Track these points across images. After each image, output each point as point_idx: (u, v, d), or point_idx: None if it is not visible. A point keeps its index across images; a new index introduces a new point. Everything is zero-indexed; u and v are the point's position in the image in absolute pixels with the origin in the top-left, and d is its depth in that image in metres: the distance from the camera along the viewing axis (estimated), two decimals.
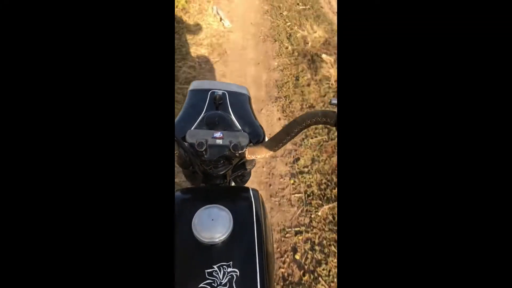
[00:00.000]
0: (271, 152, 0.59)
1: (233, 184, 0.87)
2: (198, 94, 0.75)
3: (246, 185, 0.79)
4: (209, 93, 0.75)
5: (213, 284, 0.46)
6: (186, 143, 0.57)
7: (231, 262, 0.48)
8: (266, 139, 0.71)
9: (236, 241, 0.51)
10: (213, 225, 0.50)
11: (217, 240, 0.49)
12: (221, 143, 0.59)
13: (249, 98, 0.80)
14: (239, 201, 0.58)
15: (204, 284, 0.46)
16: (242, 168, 0.73)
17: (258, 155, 0.59)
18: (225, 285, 0.46)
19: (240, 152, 0.58)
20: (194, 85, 0.79)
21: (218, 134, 0.60)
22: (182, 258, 0.48)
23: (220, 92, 0.75)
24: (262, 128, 0.72)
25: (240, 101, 0.77)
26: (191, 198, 0.59)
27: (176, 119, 0.69)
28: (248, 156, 0.60)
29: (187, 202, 0.57)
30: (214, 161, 0.61)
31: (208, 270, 0.47)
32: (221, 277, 0.47)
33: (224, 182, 0.69)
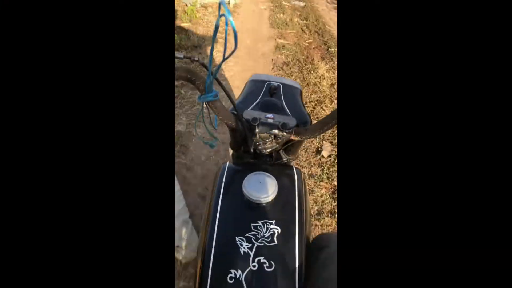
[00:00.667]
0: (314, 135, 0.65)
1: None
2: (257, 84, 0.86)
3: None
4: (266, 83, 0.85)
5: (257, 235, 0.53)
6: (243, 119, 0.66)
7: (274, 221, 0.55)
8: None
9: (279, 204, 0.58)
10: (260, 187, 0.57)
11: (263, 200, 0.56)
12: (271, 121, 0.66)
13: (301, 92, 0.88)
14: (284, 173, 0.65)
15: (249, 234, 0.53)
16: (285, 155, 0.80)
17: (303, 136, 0.66)
18: (267, 238, 0.53)
19: (287, 131, 0.65)
20: (254, 77, 0.91)
21: (270, 115, 0.68)
22: (232, 212, 0.55)
23: (275, 84, 0.84)
24: (310, 116, 0.78)
25: (292, 93, 0.85)
26: (242, 167, 0.67)
27: (236, 102, 0.79)
28: (294, 137, 0.66)
29: (239, 169, 0.65)
30: (263, 138, 0.68)
31: (254, 224, 0.54)
32: (264, 231, 0.54)
33: (271, 160, 0.76)
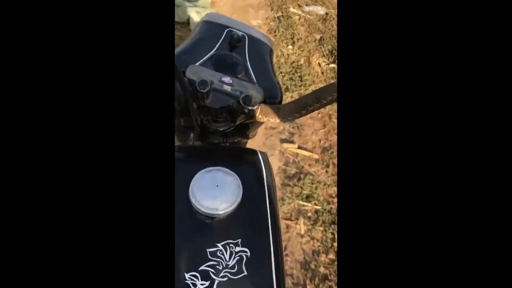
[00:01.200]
0: (288, 119, 0.46)
1: None
2: (213, 28, 0.60)
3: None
4: (226, 30, 0.60)
5: (217, 266, 0.36)
6: (185, 79, 0.44)
7: (239, 240, 0.38)
8: (282, 103, 0.59)
9: (245, 214, 0.40)
10: (218, 192, 0.39)
11: (221, 212, 0.38)
12: (229, 90, 0.46)
13: (272, 50, 0.66)
14: (247, 164, 0.47)
15: (205, 266, 0.36)
16: (241, 133, 0.61)
17: (270, 119, 0.47)
18: (232, 267, 0.36)
19: (250, 108, 0.45)
20: (210, 16, 0.63)
21: (227, 79, 0.47)
22: (178, 235, 0.37)
23: (239, 33, 0.60)
24: (280, 88, 0.59)
25: (261, 51, 0.62)
26: (188, 158, 0.47)
27: (179, 48, 0.55)
28: (259, 117, 0.47)
29: (183, 162, 0.45)
30: (215, 111, 0.48)
31: (211, 250, 0.37)
32: (227, 258, 0.37)
33: (225, 142, 0.57)
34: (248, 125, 0.59)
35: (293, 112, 0.45)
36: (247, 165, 0.47)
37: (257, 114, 0.47)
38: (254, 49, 0.60)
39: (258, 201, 0.42)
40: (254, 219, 0.41)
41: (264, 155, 0.50)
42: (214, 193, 0.39)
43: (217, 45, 0.57)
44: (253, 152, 0.50)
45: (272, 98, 0.55)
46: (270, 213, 0.41)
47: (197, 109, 0.49)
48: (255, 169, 0.46)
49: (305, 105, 0.43)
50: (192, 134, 0.62)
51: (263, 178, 0.45)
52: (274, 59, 0.74)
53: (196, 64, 0.51)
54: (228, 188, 0.40)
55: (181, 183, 0.40)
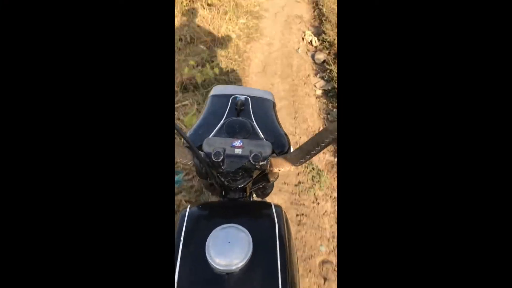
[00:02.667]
0: (296, 164, 0.51)
1: (254, 196, 0.80)
2: (220, 100, 0.70)
3: (269, 199, 0.71)
4: (231, 98, 0.69)
5: None
6: (202, 153, 0.51)
7: None
8: (292, 149, 0.64)
9: (256, 269, 0.44)
10: (230, 248, 0.43)
11: (234, 267, 0.42)
12: (240, 152, 0.52)
13: (274, 104, 0.74)
14: (260, 219, 0.51)
15: None
16: (264, 180, 0.66)
17: (281, 168, 0.52)
18: None
19: (261, 163, 0.51)
20: (216, 90, 0.74)
21: (237, 142, 0.54)
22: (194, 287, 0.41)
23: (242, 98, 0.69)
24: (287, 136, 0.65)
25: (264, 107, 0.70)
26: (206, 215, 0.53)
27: (194, 126, 0.64)
28: (271, 169, 0.53)
29: (202, 220, 0.50)
30: (232, 173, 0.54)
31: None
32: None
33: (244, 196, 0.62)
34: (266, 174, 0.64)
35: (298, 159, 0.50)
36: (260, 220, 0.51)
37: (268, 167, 0.53)
38: (257, 108, 0.68)
39: (268, 254, 0.45)
40: (265, 272, 0.44)
41: (279, 207, 0.54)
42: (227, 249, 0.43)
43: (226, 113, 0.65)
44: (268, 206, 0.54)
45: (280, 148, 0.60)
46: (281, 267, 0.44)
47: (217, 175, 0.56)
48: (267, 224, 0.50)
49: (307, 151, 0.49)
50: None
51: (275, 231, 0.48)
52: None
53: (210, 136, 0.59)
54: (239, 245, 0.44)
55: (199, 240, 0.45)
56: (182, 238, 0.46)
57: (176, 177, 0.60)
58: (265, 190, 0.76)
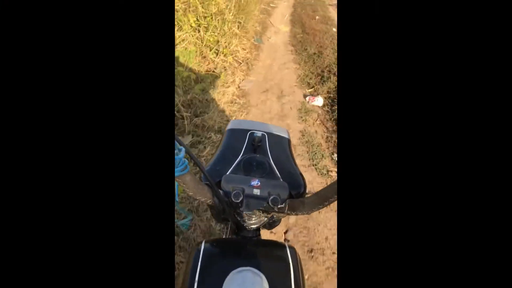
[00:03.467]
0: (312, 211, 0.51)
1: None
2: (237, 134, 0.71)
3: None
4: (248, 134, 0.70)
5: None
6: (221, 191, 0.51)
7: None
8: (307, 190, 0.64)
9: None
10: None
11: None
12: (258, 193, 0.52)
13: (289, 142, 0.75)
14: (274, 262, 0.50)
15: None
16: (274, 217, 0.65)
17: (298, 212, 0.52)
18: None
19: (279, 206, 0.51)
20: (233, 124, 0.75)
21: (255, 182, 0.54)
22: None
23: (259, 134, 0.70)
24: (302, 177, 0.65)
25: (280, 145, 0.71)
26: (222, 254, 0.52)
27: (212, 160, 0.64)
28: (287, 212, 0.52)
29: (217, 259, 0.49)
30: (249, 213, 0.54)
31: None
32: None
33: (258, 234, 0.61)
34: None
35: (316, 204, 0.49)
36: (275, 263, 0.49)
37: (285, 210, 0.52)
38: (274, 145, 0.69)
39: None
40: None
41: (292, 249, 0.53)
42: None
43: (243, 149, 0.66)
44: (282, 246, 0.53)
45: (296, 189, 0.60)
46: None
47: (234, 213, 0.55)
48: (282, 267, 0.49)
49: (325, 198, 0.48)
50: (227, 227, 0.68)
51: (290, 275, 0.47)
52: None
53: (228, 172, 0.59)
54: None
55: (215, 281, 0.44)
56: (197, 278, 0.45)
57: (185, 220, 0.60)
58: (274, 223, 0.74)
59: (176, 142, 0.39)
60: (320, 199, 0.49)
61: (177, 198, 0.54)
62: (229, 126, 0.75)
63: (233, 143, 0.68)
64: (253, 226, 0.57)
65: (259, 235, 0.64)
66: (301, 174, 0.65)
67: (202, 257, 0.48)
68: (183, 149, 0.39)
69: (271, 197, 0.50)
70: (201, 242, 0.53)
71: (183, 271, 0.48)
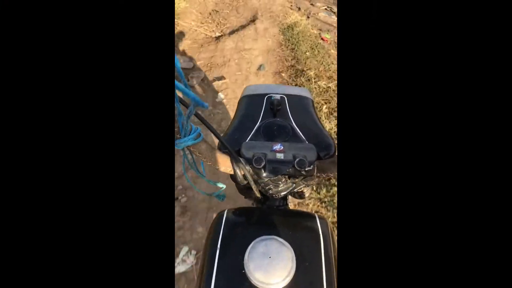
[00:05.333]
0: None
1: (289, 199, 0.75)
2: (253, 100, 0.66)
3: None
4: (265, 98, 0.65)
5: None
6: (241, 158, 0.47)
7: None
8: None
9: (300, 285, 0.39)
10: (270, 264, 0.39)
11: (273, 285, 0.38)
12: (282, 157, 0.47)
13: (312, 102, 0.68)
14: (303, 232, 0.46)
15: None
16: (303, 184, 0.61)
17: (330, 173, 0.47)
18: None
19: (307, 169, 0.46)
20: (248, 90, 0.70)
21: (278, 146, 0.49)
22: None
23: (278, 96, 0.64)
24: (331, 137, 0.59)
25: (302, 106, 0.65)
26: (245, 223, 0.49)
27: (230, 130, 0.60)
28: (317, 175, 0.47)
29: (240, 228, 0.47)
30: (274, 180, 0.50)
31: None
32: None
33: (285, 204, 0.58)
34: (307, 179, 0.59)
35: None
36: (303, 234, 0.46)
37: (314, 173, 0.47)
38: (295, 107, 0.63)
39: (313, 274, 0.40)
40: None
41: (323, 220, 0.49)
42: (267, 265, 0.39)
43: (261, 115, 0.61)
44: (312, 217, 0.49)
45: (325, 150, 0.54)
46: (327, 286, 0.39)
47: (258, 181, 0.52)
48: (312, 238, 0.45)
49: None
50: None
51: (320, 247, 0.44)
52: None
53: (247, 140, 0.55)
54: (281, 261, 0.39)
55: (237, 250, 0.42)
56: (218, 247, 0.43)
57: (219, 191, 0.57)
58: (303, 193, 0.70)
59: (178, 105, 0.35)
60: None
61: (203, 172, 0.51)
62: (243, 93, 0.69)
63: (250, 110, 0.63)
64: (281, 194, 0.53)
65: (287, 204, 0.60)
66: (329, 135, 0.59)
67: (224, 226, 0.46)
68: (191, 109, 0.34)
69: (297, 159, 0.45)
70: (224, 211, 0.50)
71: (205, 242, 0.47)
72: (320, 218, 0.49)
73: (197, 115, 0.38)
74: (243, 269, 0.39)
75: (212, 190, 0.68)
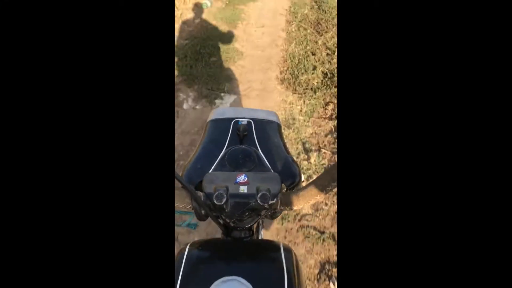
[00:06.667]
0: (309, 202, 0.44)
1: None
2: (220, 125, 0.63)
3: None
4: (232, 123, 0.63)
5: None
6: (201, 193, 0.44)
7: None
8: (303, 178, 0.57)
9: None
10: None
11: None
12: (245, 191, 0.45)
13: (279, 126, 0.67)
14: (266, 267, 0.44)
15: None
16: (267, 215, 0.59)
17: (293, 206, 0.45)
18: None
19: (270, 203, 0.44)
20: (215, 114, 0.68)
21: (241, 177, 0.47)
22: None
23: (244, 121, 0.62)
24: (296, 164, 0.58)
25: (269, 131, 0.64)
26: (207, 259, 0.46)
27: (193, 158, 0.58)
28: (280, 208, 0.46)
29: (201, 266, 0.44)
30: (237, 215, 0.47)
31: None
32: None
33: (250, 235, 0.55)
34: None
35: (313, 195, 0.43)
36: (267, 269, 0.43)
37: (278, 206, 0.46)
38: (262, 132, 0.61)
39: None
40: None
41: (288, 250, 0.47)
42: None
43: (227, 141, 0.59)
44: (276, 248, 0.47)
45: (290, 179, 0.53)
46: None
47: (220, 216, 0.49)
48: (275, 273, 0.43)
49: (323, 187, 0.41)
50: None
51: (284, 281, 0.41)
52: None
53: (211, 169, 0.53)
54: None
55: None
56: (179, 282, 0.40)
57: (189, 220, 0.53)
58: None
59: None
60: (318, 187, 0.42)
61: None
62: (210, 117, 0.67)
63: (216, 136, 0.61)
64: (245, 226, 0.50)
65: (253, 234, 0.57)
66: (294, 161, 0.58)
67: (184, 264, 0.43)
68: None
69: (260, 194, 0.43)
70: (185, 247, 0.47)
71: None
72: (284, 248, 0.47)
73: None
74: None
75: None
